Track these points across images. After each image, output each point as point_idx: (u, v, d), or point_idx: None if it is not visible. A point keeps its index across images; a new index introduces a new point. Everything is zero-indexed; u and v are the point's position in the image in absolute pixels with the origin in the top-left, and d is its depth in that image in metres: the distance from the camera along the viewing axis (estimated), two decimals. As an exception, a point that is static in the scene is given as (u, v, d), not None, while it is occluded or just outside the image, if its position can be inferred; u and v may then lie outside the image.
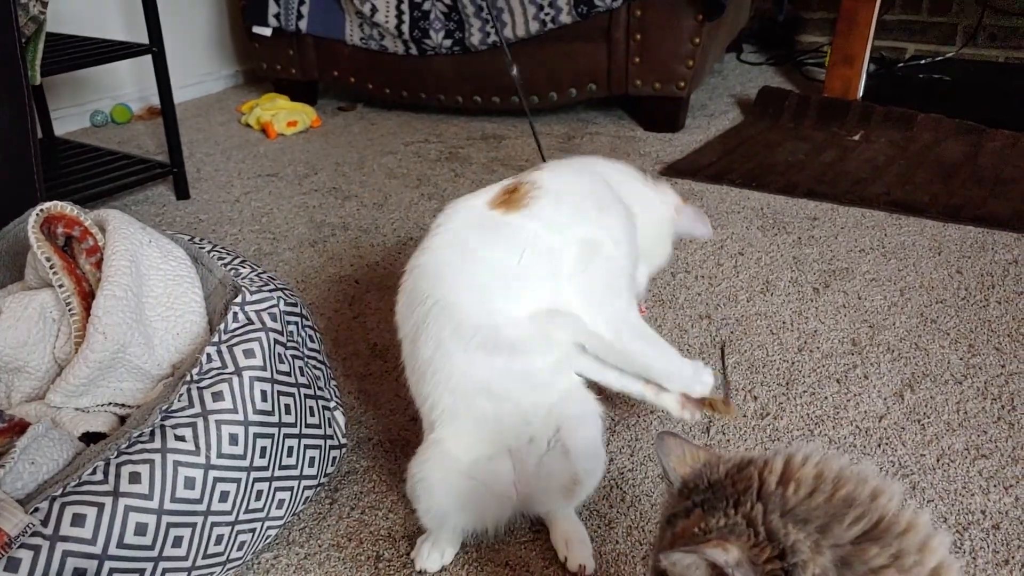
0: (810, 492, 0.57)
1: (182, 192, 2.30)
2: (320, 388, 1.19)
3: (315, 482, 1.16)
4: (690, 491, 0.63)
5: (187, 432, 0.98)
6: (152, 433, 0.98)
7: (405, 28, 2.70)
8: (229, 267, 1.24)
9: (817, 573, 0.54)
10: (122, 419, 1.15)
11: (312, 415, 1.14)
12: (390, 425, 1.37)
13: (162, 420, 0.99)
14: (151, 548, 0.95)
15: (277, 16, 2.85)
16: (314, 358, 1.22)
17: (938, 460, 1.25)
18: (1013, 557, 1.08)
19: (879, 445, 1.28)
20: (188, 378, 1.02)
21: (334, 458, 1.20)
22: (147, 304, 1.17)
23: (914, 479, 1.21)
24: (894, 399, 1.39)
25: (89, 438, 1.10)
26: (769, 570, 0.54)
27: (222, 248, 1.31)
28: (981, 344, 1.52)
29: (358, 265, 1.90)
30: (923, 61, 3.18)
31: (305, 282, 1.83)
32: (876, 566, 0.54)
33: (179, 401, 1.00)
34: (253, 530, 1.07)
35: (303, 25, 2.86)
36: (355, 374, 1.50)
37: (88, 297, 1.18)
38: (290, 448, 1.09)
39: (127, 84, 3.09)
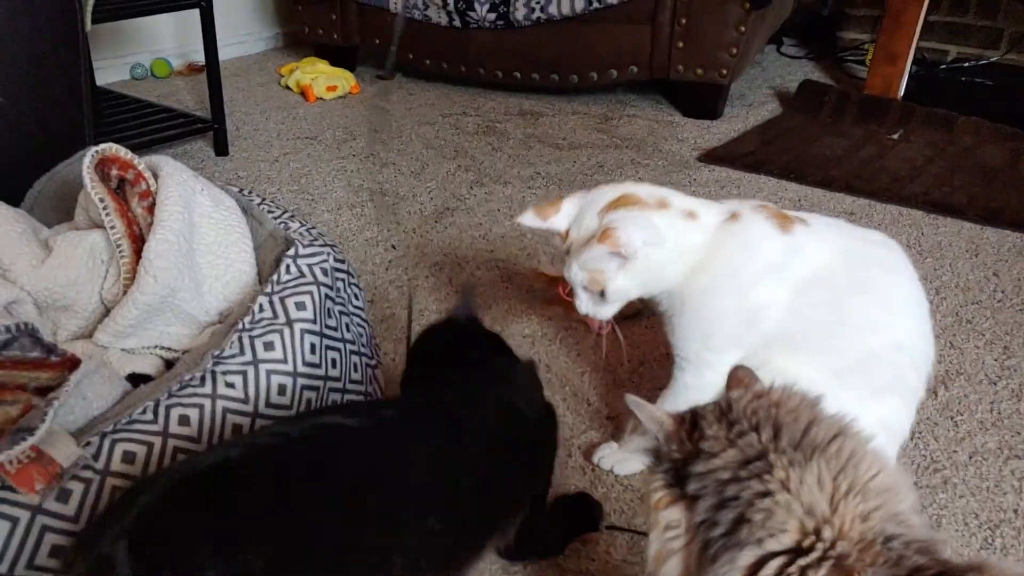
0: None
1: (221, 148, 2.31)
2: (363, 345, 1.20)
3: (353, 438, 1.17)
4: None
5: (237, 380, 1.00)
6: (203, 378, 0.99)
7: (450, -1, 2.69)
8: (279, 221, 1.25)
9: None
10: (168, 363, 1.17)
11: (356, 371, 1.15)
12: (425, 389, 1.38)
13: (213, 366, 1.00)
14: (195, 490, 0.96)
15: (322, -21, 2.85)
16: (358, 315, 1.23)
17: (970, 457, 1.25)
18: (1043, 557, 1.08)
19: (911, 439, 1.28)
20: (240, 326, 1.03)
21: (372, 416, 1.21)
22: (197, 251, 1.18)
23: (946, 474, 1.22)
24: (927, 395, 1.38)
25: (135, 379, 1.11)
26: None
27: (271, 202, 1.32)
28: (1017, 347, 1.52)
29: (395, 230, 1.90)
30: (966, 64, 3.15)
31: (342, 244, 1.84)
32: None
33: (231, 348, 1.01)
34: (291, 481, 1.08)
35: (347, -10, 2.86)
36: (392, 337, 1.51)
37: (138, 240, 1.19)
38: (333, 403, 1.10)
39: (168, 39, 3.10)
